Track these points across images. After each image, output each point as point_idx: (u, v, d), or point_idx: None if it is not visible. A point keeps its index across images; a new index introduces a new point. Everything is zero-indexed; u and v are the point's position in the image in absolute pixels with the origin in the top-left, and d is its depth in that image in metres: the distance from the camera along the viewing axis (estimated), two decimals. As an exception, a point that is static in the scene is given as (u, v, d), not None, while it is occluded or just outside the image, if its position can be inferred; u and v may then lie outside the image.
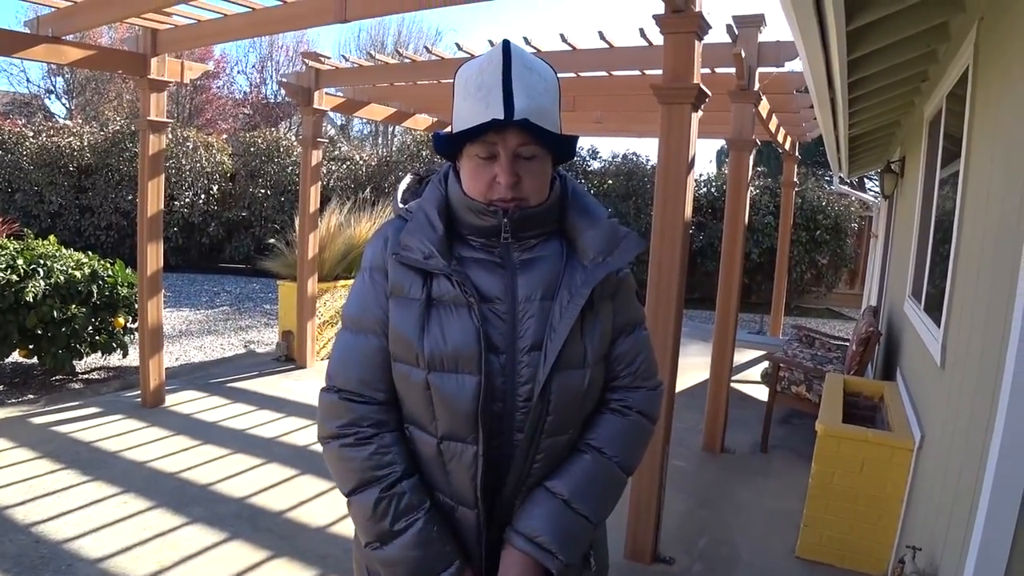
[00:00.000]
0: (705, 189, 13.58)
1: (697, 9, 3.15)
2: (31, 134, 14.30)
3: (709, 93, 3.24)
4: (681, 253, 3.27)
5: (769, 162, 15.67)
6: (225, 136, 19.00)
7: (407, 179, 1.54)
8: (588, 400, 1.42)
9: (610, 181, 13.75)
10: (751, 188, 7.83)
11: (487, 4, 4.03)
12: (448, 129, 1.45)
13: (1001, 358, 1.89)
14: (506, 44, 1.31)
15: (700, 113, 3.29)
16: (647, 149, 32.35)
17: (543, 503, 1.37)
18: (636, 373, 1.49)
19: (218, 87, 24.54)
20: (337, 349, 1.45)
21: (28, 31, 5.11)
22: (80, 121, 16.81)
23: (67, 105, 24.29)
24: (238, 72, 26.84)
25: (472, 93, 1.32)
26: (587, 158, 14.58)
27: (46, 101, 25.05)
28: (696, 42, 3.18)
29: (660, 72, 3.31)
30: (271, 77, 26.41)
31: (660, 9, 3.18)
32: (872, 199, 11.85)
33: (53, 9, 4.95)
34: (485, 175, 1.34)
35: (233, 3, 4.73)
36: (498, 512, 1.40)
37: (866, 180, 16.89)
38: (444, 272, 1.34)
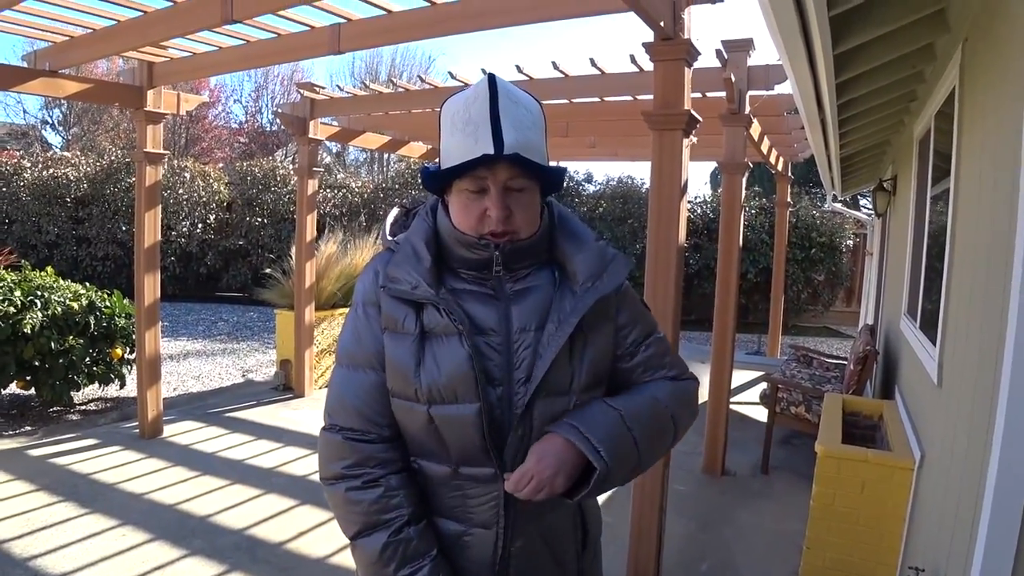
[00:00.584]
0: (700, 211, 13.62)
1: (686, 36, 3.19)
2: (28, 165, 14.36)
3: (700, 119, 3.27)
4: (676, 277, 3.29)
5: (763, 182, 15.76)
6: (221, 165, 19.09)
7: (394, 212, 1.54)
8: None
9: (605, 204, 13.80)
10: (745, 208, 7.88)
11: (478, 32, 4.08)
12: (435, 162, 1.46)
13: (997, 375, 1.90)
14: (492, 78, 1.33)
15: (692, 138, 3.32)
16: (642, 172, 32.48)
17: (599, 410, 1.36)
18: (667, 368, 1.50)
19: (214, 116, 24.67)
20: (334, 386, 1.43)
21: (26, 65, 5.15)
22: (77, 152, 16.88)
23: (64, 136, 24.41)
24: (234, 101, 27.04)
25: (460, 128, 1.33)
26: (582, 182, 14.62)
27: (43, 132, 25.20)
28: (686, 69, 3.21)
29: (651, 97, 3.35)
30: (267, 106, 26.58)
31: (650, 37, 3.22)
32: (866, 217, 11.91)
33: (51, 44, 5.00)
34: (475, 209, 1.34)
35: (228, 36, 4.79)
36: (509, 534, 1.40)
37: (859, 197, 16.98)
38: (431, 301, 1.33)
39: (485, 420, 1.31)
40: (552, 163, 1.46)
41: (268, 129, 25.80)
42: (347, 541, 1.40)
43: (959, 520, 2.36)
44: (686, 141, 3.24)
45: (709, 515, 4.58)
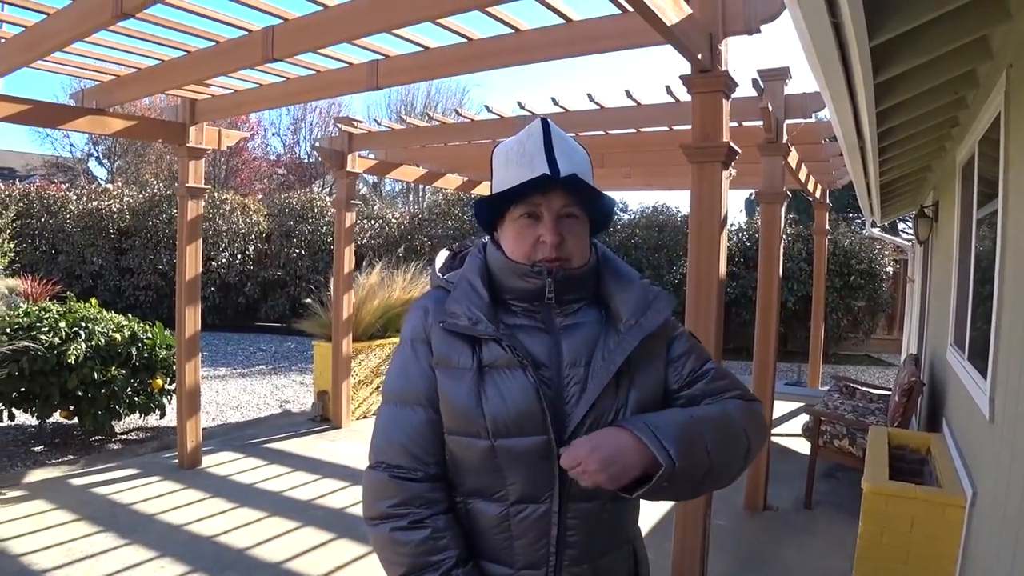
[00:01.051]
0: (736, 239, 13.51)
1: (723, 68, 3.18)
2: (74, 197, 14.78)
3: (739, 150, 3.25)
4: (717, 310, 3.25)
5: (800, 209, 15.59)
6: (260, 196, 19.43)
7: (443, 255, 1.57)
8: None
9: (640, 233, 13.74)
10: (783, 236, 7.79)
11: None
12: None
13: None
14: (543, 120, 1.39)
15: (731, 171, 3.30)
16: (676, 200, 32.41)
17: (670, 411, 1.37)
18: (731, 391, 1.46)
19: (253, 148, 25.18)
20: (381, 424, 1.42)
21: (74, 103, 5.31)
22: (120, 184, 17.33)
23: (109, 168, 25.09)
24: (272, 134, 27.61)
25: (515, 160, 1.38)
26: (617, 212, 14.58)
27: (89, 165, 25.95)
28: (724, 101, 3.20)
29: (687, 127, 3.34)
30: (305, 138, 27.11)
31: (686, 68, 3.22)
32: (906, 243, 11.70)
33: (98, 83, 5.14)
34: (529, 236, 1.37)
35: (268, 73, 4.89)
36: None
37: (898, 222, 16.73)
38: (494, 337, 1.34)
39: (556, 451, 1.30)
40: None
41: (306, 161, 26.25)
42: None
43: (1016, 563, 2.27)
44: (725, 173, 3.22)
45: (752, 552, 4.47)
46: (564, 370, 1.36)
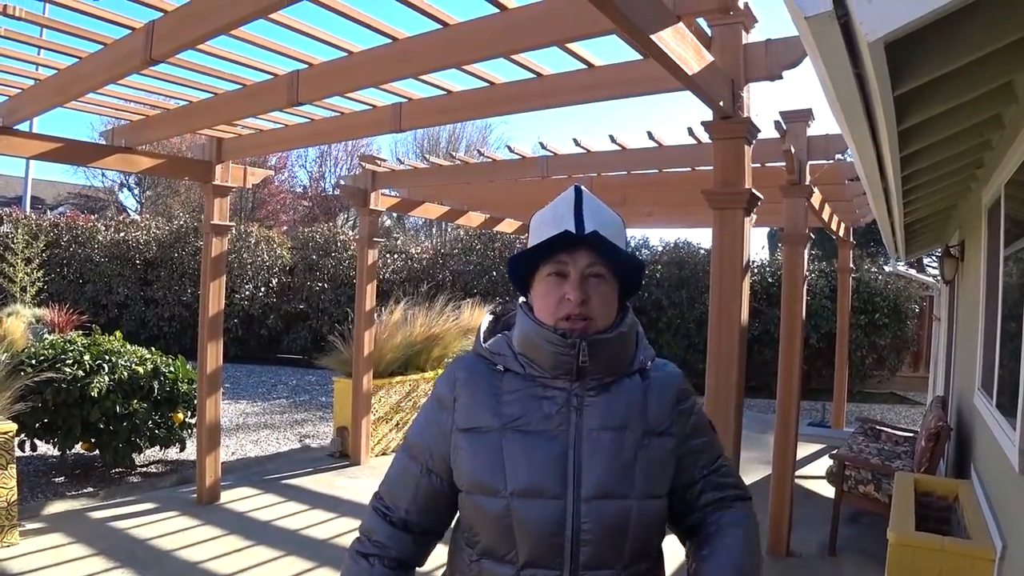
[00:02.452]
0: (759, 275, 13.40)
1: (745, 115, 3.18)
2: (103, 228, 15.03)
3: (761, 197, 3.24)
4: (739, 356, 3.21)
5: (823, 244, 15.49)
6: (285, 228, 19.63)
7: (486, 319, 1.59)
8: (635, 536, 1.38)
9: (661, 270, 13.68)
10: (806, 275, 7.74)
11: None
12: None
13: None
14: (577, 187, 1.46)
15: (753, 216, 3.29)
16: (698, 237, 32.34)
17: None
18: (734, 489, 1.55)
19: (280, 181, 25.49)
20: (393, 462, 1.56)
21: (104, 142, 5.43)
22: (147, 216, 17.62)
23: (138, 199, 25.53)
24: (300, 166, 27.95)
25: (547, 222, 1.43)
26: (639, 247, 14.51)
27: (120, 195, 26.43)
28: (746, 147, 3.20)
29: (710, 168, 3.34)
30: (330, 171, 27.42)
31: (709, 112, 3.23)
32: (931, 280, 11.56)
33: (127, 122, 5.25)
34: (555, 292, 1.41)
35: (293, 114, 4.96)
36: None
37: (924, 257, 16.55)
38: (520, 389, 1.42)
39: (570, 518, 1.34)
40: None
41: (331, 193, 26.53)
42: None
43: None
44: (747, 220, 3.21)
45: (774, 601, 4.38)
46: (584, 436, 1.39)
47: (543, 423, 1.38)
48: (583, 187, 1.46)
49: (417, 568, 1.53)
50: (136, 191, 25.89)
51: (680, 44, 2.59)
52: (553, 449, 1.36)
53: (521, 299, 1.53)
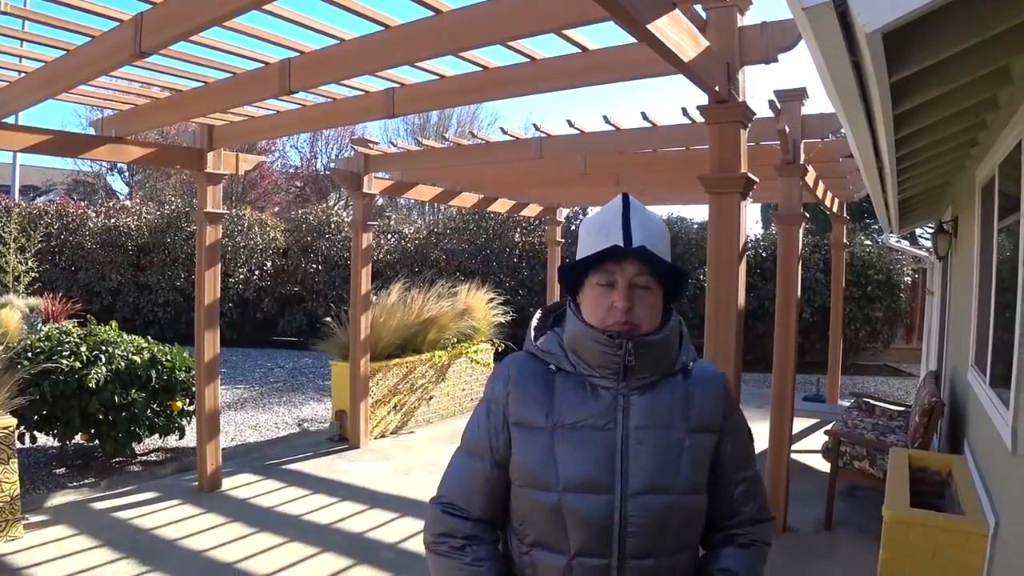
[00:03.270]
0: (753, 250, 13.43)
1: (741, 99, 3.17)
2: (93, 215, 14.94)
3: (757, 180, 3.24)
4: (736, 342, 3.23)
5: (815, 217, 15.49)
6: (277, 209, 19.52)
7: (537, 316, 1.66)
8: (678, 528, 1.47)
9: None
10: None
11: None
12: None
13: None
14: (625, 196, 1.53)
15: (749, 200, 3.29)
16: (691, 212, 32.25)
17: None
18: (757, 508, 1.60)
19: (271, 162, 25.33)
20: (450, 466, 1.61)
21: (94, 132, 5.38)
22: (138, 201, 17.52)
23: (128, 181, 25.35)
24: (291, 146, 27.74)
25: (594, 232, 1.51)
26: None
27: (108, 179, 26.23)
28: (742, 130, 3.20)
29: (704, 147, 3.34)
30: (322, 151, 27.23)
31: (703, 95, 3.22)
32: (923, 253, 11.60)
33: (117, 112, 5.20)
34: (604, 301, 1.48)
35: (285, 100, 4.92)
36: None
37: (917, 229, 16.57)
38: (570, 387, 1.50)
39: (618, 511, 1.42)
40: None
41: (323, 173, 26.38)
42: None
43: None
44: (743, 204, 3.21)
45: (773, 577, 4.44)
46: (631, 432, 1.46)
47: (592, 421, 1.46)
48: (629, 197, 1.52)
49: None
50: (125, 174, 25.69)
51: (676, 31, 2.58)
52: (602, 446, 1.44)
53: (567, 298, 1.60)
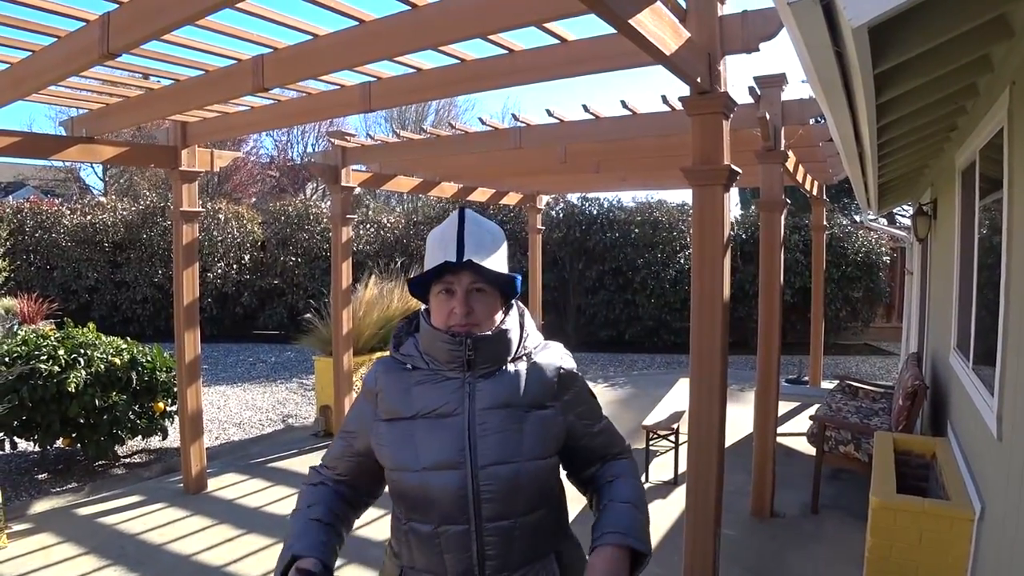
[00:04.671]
0: (733, 232, 13.45)
1: (723, 90, 3.15)
2: (68, 212, 14.70)
3: (740, 171, 3.22)
4: (721, 334, 3.22)
5: (794, 198, 15.55)
6: (254, 200, 19.30)
7: (399, 325, 1.88)
8: (529, 491, 1.69)
9: (637, 231, 13.68)
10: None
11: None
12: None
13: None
14: (461, 210, 1.75)
15: (733, 191, 3.27)
16: (670, 196, 32.25)
17: (622, 513, 1.71)
18: (619, 448, 1.89)
19: (246, 152, 25.03)
20: (333, 442, 1.89)
21: (64, 133, 5.26)
22: (114, 197, 17.27)
23: (102, 177, 24.97)
24: (265, 135, 27.40)
25: (435, 246, 1.73)
26: (612, 208, 14.45)
27: (82, 174, 25.82)
28: (724, 121, 3.17)
29: (684, 134, 3.31)
30: (297, 140, 26.95)
31: (685, 90, 3.19)
32: (901, 233, 11.69)
33: (87, 111, 5.10)
34: (445, 307, 1.72)
35: (260, 96, 4.84)
36: None
37: (895, 211, 16.70)
38: (425, 381, 1.73)
39: (471, 482, 1.64)
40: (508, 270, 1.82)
41: (298, 163, 26.12)
42: None
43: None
44: (727, 196, 3.19)
45: (761, 563, 4.47)
46: (476, 415, 1.68)
47: (444, 408, 1.68)
48: (465, 212, 1.74)
49: (354, 515, 1.89)
50: (99, 169, 25.30)
51: (658, 24, 2.54)
52: (453, 428, 1.66)
53: (423, 307, 1.82)
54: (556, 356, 1.82)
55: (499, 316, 1.77)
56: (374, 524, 4.02)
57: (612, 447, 1.88)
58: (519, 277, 1.80)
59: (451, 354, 1.70)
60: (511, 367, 1.75)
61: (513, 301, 1.84)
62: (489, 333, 1.72)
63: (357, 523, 1.93)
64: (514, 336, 1.77)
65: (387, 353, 1.85)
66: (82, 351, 5.96)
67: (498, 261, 1.73)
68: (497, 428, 1.67)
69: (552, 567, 1.75)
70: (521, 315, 1.83)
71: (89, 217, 14.60)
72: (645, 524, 1.72)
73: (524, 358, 1.77)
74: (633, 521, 1.69)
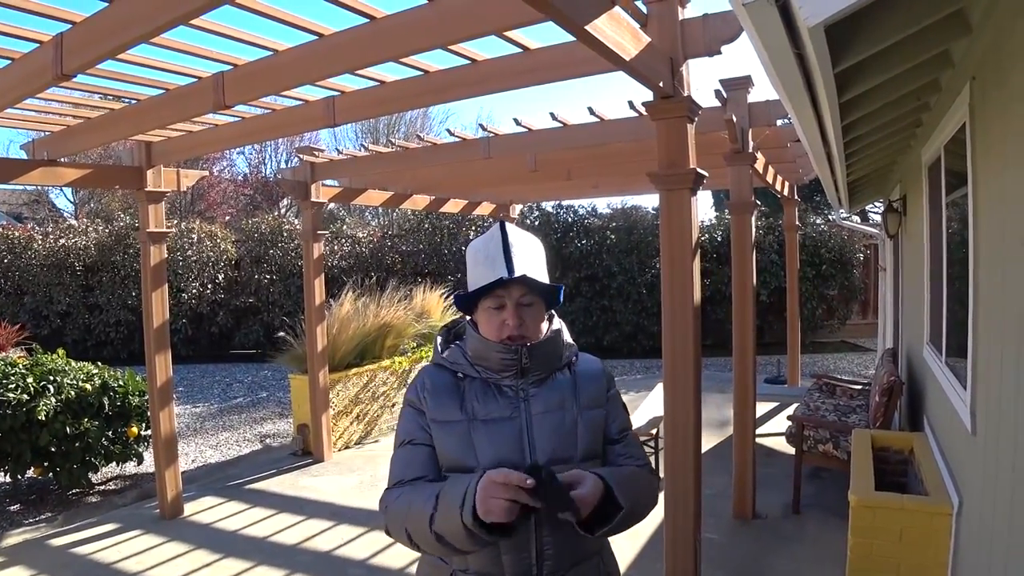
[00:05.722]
0: (708, 236, 13.53)
1: (686, 93, 3.14)
2: (39, 237, 14.47)
3: (706, 175, 3.21)
4: (694, 338, 3.21)
5: (767, 199, 15.66)
6: (228, 218, 19.10)
7: (439, 335, 1.93)
8: None
9: (612, 237, 13.69)
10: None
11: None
12: (460, 291, 1.90)
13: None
14: (501, 223, 1.80)
15: (704, 194, 3.26)
16: (646, 201, 32.44)
17: (621, 469, 1.77)
18: (638, 462, 1.88)
19: (219, 170, 24.79)
20: (392, 465, 1.80)
21: (25, 156, 5.17)
22: (85, 220, 17.03)
23: (72, 200, 24.64)
24: (237, 154, 27.16)
25: (481, 262, 1.78)
26: (586, 216, 14.45)
27: (51, 196, 25.45)
28: (688, 125, 3.17)
29: (654, 139, 3.30)
30: (270, 157, 26.75)
31: (649, 96, 3.18)
32: (873, 230, 11.78)
33: (48, 134, 5.01)
34: (496, 321, 1.77)
35: (224, 114, 4.78)
36: None
37: (867, 208, 16.83)
38: (493, 380, 1.78)
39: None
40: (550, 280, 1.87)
41: (272, 179, 25.92)
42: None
43: (1010, 569, 2.26)
44: (694, 199, 3.18)
45: (744, 566, 4.46)
46: (534, 418, 1.74)
47: (500, 413, 1.73)
48: (505, 224, 1.78)
49: None
50: (68, 192, 24.95)
51: (616, 30, 2.53)
52: (511, 431, 1.72)
53: (468, 318, 1.88)
54: (593, 360, 1.92)
55: (545, 325, 1.84)
56: (354, 543, 3.97)
57: (634, 458, 1.88)
58: (563, 287, 1.88)
59: (505, 363, 1.76)
60: (558, 375, 1.82)
61: (553, 312, 1.91)
62: (542, 339, 1.80)
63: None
64: (559, 344, 1.85)
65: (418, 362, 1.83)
66: (51, 378, 5.84)
67: (542, 271, 1.81)
68: (553, 428, 1.73)
69: (600, 565, 1.82)
70: (561, 325, 1.89)
71: (62, 241, 14.36)
72: (635, 492, 1.72)
73: (568, 367, 1.86)
74: (623, 478, 1.71)
